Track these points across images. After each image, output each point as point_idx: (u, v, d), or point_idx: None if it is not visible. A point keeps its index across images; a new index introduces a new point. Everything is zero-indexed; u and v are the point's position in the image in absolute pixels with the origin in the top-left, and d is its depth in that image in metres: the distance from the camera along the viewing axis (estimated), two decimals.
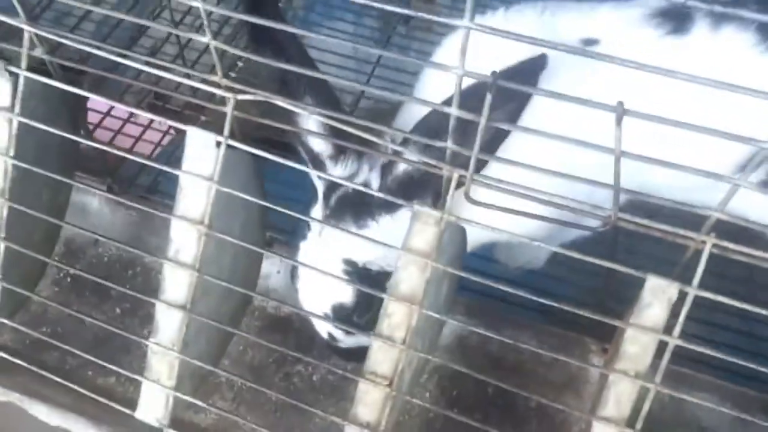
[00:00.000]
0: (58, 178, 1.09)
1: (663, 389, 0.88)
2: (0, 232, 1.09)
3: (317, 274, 1.11)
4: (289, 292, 1.33)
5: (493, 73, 0.74)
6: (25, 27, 0.99)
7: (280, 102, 0.92)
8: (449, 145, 0.85)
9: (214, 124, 0.97)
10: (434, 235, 0.93)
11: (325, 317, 1.15)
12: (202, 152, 0.98)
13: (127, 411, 1.05)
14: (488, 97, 0.76)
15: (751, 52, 1.17)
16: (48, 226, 1.25)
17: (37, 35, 1.00)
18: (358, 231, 1.12)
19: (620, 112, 0.71)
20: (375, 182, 1.13)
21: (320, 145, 1.12)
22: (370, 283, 1.09)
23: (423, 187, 1.06)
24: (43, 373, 1.13)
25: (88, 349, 1.22)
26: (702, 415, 1.18)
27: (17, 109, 1.03)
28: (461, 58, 0.74)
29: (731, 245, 0.86)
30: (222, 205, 1.01)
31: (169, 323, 1.04)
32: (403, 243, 0.94)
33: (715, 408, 1.15)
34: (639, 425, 0.89)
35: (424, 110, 1.01)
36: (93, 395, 1.10)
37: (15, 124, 1.04)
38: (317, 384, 1.26)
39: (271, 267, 1.34)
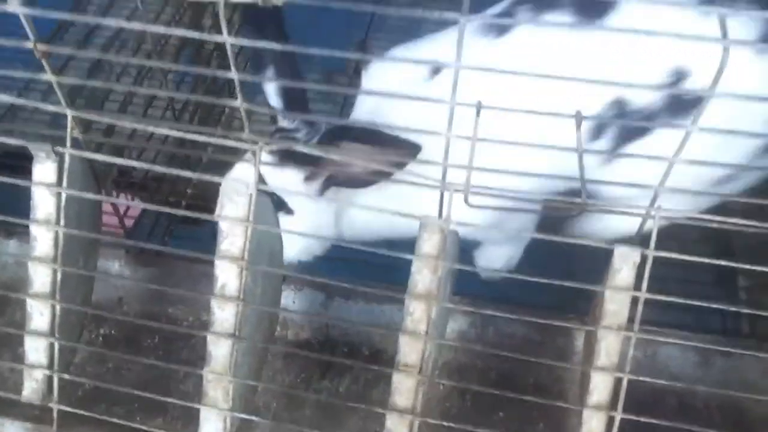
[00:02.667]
0: (91, 241, 1.25)
1: (641, 335, 1.10)
2: (55, 295, 1.23)
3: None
4: (305, 321, 1.51)
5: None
6: (68, 112, 1.15)
7: (302, 148, 1.11)
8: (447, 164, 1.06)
9: None
10: (440, 240, 1.14)
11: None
12: (236, 198, 1.16)
13: None
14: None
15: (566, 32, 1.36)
16: (85, 290, 1.38)
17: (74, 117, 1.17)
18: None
19: (579, 118, 0.95)
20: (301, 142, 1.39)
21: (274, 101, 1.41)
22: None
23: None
24: (105, 418, 1.26)
25: (132, 399, 1.36)
26: (671, 363, 1.41)
27: (64, 183, 1.19)
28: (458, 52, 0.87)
29: (674, 214, 1.10)
30: (255, 242, 1.18)
31: (220, 352, 1.19)
32: (415, 251, 1.14)
33: (681, 356, 1.40)
34: (627, 368, 1.10)
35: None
36: (155, 431, 1.23)
37: (63, 198, 1.19)
38: (344, 394, 1.42)
39: (287, 299, 1.50)
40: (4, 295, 1.47)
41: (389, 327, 1.49)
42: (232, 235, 1.16)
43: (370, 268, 1.45)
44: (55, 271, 1.22)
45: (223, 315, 1.19)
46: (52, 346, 1.25)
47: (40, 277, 1.23)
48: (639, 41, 1.21)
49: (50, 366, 1.26)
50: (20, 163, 1.58)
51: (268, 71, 1.37)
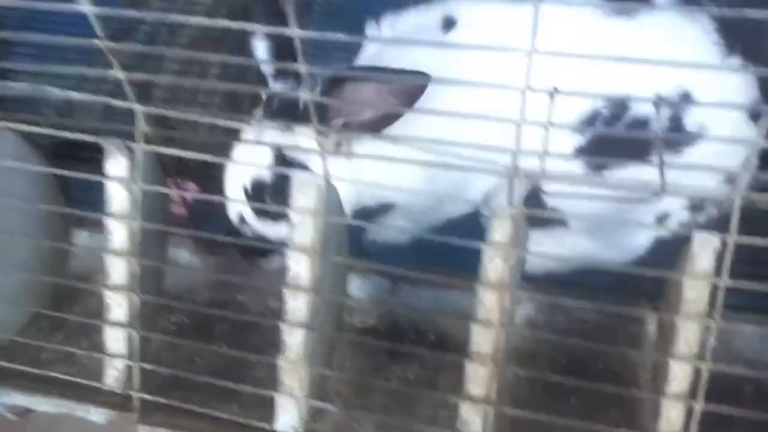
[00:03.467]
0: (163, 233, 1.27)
1: (722, 323, 1.07)
2: (135, 288, 1.26)
3: (246, 155, 1.36)
4: (372, 308, 1.52)
5: None
6: (136, 107, 1.17)
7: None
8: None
9: None
10: (511, 228, 1.12)
11: (244, 193, 1.38)
12: (306, 190, 1.16)
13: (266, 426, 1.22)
14: None
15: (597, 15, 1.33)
16: (158, 280, 1.42)
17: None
18: (288, 130, 1.34)
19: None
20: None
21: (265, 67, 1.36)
22: (289, 166, 1.30)
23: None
24: (183, 405, 1.30)
25: (207, 387, 1.39)
26: (746, 348, 1.37)
27: (137, 178, 1.21)
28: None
29: (757, 196, 1.06)
30: (325, 234, 1.19)
31: (294, 341, 1.21)
32: (486, 239, 1.13)
33: (758, 341, 1.36)
34: (708, 356, 1.08)
35: None
36: (232, 418, 1.26)
37: (137, 192, 1.22)
38: (413, 381, 1.43)
39: (353, 286, 1.51)
40: (78, 285, 1.51)
41: (456, 312, 1.48)
42: (304, 226, 1.17)
43: (435, 254, 1.45)
44: (131, 264, 1.25)
45: (296, 305, 1.20)
46: (130, 336, 1.29)
47: (117, 270, 1.27)
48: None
49: (130, 355, 1.30)
50: (86, 154, 1.63)
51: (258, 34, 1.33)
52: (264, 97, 1.40)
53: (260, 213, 1.42)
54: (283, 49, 1.33)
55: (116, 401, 1.37)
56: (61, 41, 1.01)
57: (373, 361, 1.47)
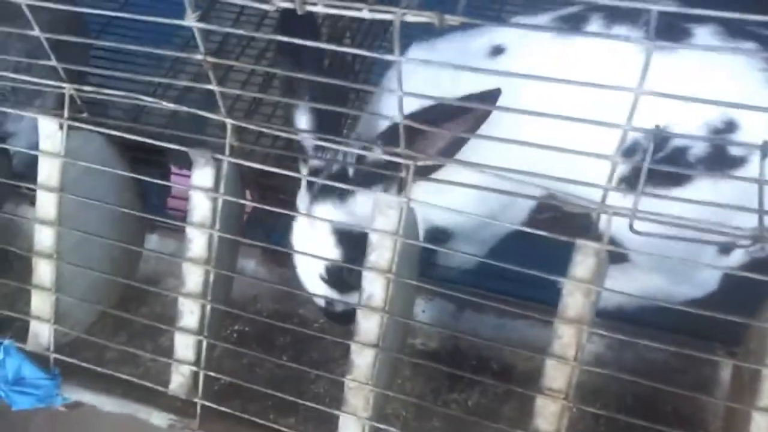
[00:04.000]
0: (238, 242, 1.28)
1: None
2: (206, 296, 1.27)
3: (310, 245, 1.35)
4: (434, 331, 1.51)
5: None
6: (227, 120, 1.19)
7: (442, 162, 1.10)
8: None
9: None
10: (595, 264, 1.10)
11: (321, 279, 1.37)
12: (387, 211, 1.16)
13: None
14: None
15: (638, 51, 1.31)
16: (226, 289, 1.43)
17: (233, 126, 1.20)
18: (340, 204, 1.34)
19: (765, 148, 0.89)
20: (350, 169, 1.33)
21: (308, 140, 1.35)
22: (355, 243, 1.28)
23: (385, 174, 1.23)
24: (242, 415, 1.31)
25: (266, 397, 1.39)
26: None
27: (221, 189, 1.23)
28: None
29: None
30: (401, 256, 1.19)
31: (363, 361, 1.21)
32: (568, 273, 1.11)
33: None
34: None
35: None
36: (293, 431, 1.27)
37: (220, 203, 1.23)
38: (473, 408, 1.41)
39: (417, 308, 1.51)
40: (146, 287, 1.53)
41: (519, 343, 1.46)
42: (381, 248, 1.17)
43: (502, 281, 1.43)
44: (207, 272, 1.26)
45: (368, 325, 1.20)
46: (199, 343, 1.30)
47: (193, 277, 1.28)
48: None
49: (197, 363, 1.31)
50: (150, 157, 1.66)
51: (301, 109, 1.33)
52: (306, 173, 1.38)
53: (343, 289, 1.40)
54: (325, 122, 1.33)
55: (179, 406, 1.39)
56: (168, 54, 1.03)
57: (434, 385, 1.46)
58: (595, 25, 1.38)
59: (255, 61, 1.67)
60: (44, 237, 1.34)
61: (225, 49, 2.11)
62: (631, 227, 1.03)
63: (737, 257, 1.45)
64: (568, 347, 1.13)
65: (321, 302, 1.45)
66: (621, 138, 0.94)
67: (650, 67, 0.85)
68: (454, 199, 1.19)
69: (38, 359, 1.44)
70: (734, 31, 1.35)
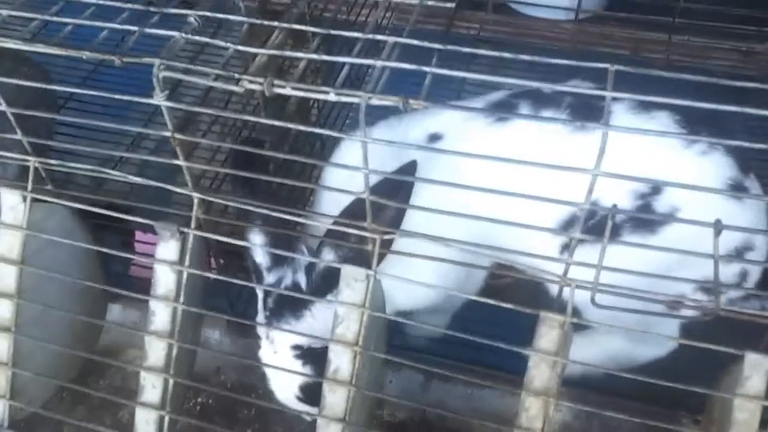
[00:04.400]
0: (200, 315, 1.27)
1: None
2: (170, 370, 1.25)
3: (280, 372, 1.33)
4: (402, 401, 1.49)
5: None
6: (194, 195, 1.19)
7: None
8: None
9: None
10: (559, 336, 1.12)
11: (299, 400, 1.34)
12: (354, 284, 1.17)
13: None
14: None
15: (564, 131, 1.38)
16: (189, 361, 1.40)
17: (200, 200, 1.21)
18: (296, 322, 1.31)
19: (720, 227, 0.93)
20: (302, 280, 1.33)
21: (261, 258, 1.33)
22: (318, 359, 1.26)
23: (338, 279, 1.22)
24: None
25: None
26: None
27: (187, 262, 1.22)
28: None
29: None
30: (368, 328, 1.18)
31: None
32: (533, 345, 1.12)
33: None
34: None
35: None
36: None
37: (185, 276, 1.22)
38: None
39: (384, 378, 1.50)
40: (104, 360, 1.50)
41: (487, 413, 1.46)
42: (348, 320, 1.17)
43: (469, 350, 1.44)
44: (170, 346, 1.24)
45: (335, 399, 1.18)
46: (161, 418, 1.27)
47: (156, 351, 1.25)
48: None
49: None
50: (112, 223, 1.63)
51: (254, 231, 1.31)
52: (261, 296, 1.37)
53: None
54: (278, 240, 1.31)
55: None
56: (135, 130, 1.03)
57: None
58: (524, 110, 1.44)
59: (226, 136, 1.68)
60: (2, 310, 1.31)
61: (190, 126, 2.11)
62: (592, 300, 1.06)
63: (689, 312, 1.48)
64: (535, 419, 1.13)
65: (307, 417, 1.42)
66: (581, 215, 0.98)
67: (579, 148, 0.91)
68: (418, 275, 1.20)
69: None
70: (647, 103, 1.41)
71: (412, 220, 1.19)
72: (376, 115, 1.44)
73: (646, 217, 1.33)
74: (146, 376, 1.27)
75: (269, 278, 1.34)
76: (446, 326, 1.55)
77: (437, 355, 1.47)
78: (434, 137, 1.46)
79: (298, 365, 1.32)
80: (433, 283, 1.20)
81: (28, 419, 1.44)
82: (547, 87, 1.48)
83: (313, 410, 1.35)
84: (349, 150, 1.46)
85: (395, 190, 1.16)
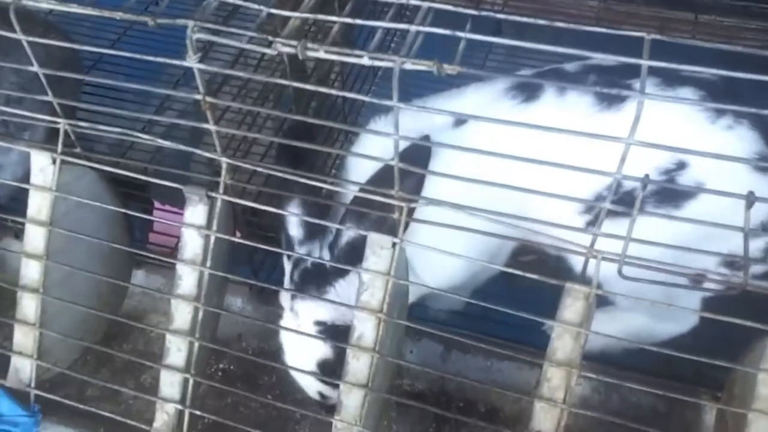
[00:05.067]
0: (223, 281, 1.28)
1: None
2: (195, 333, 1.27)
3: (299, 342, 1.35)
4: (421, 371, 1.50)
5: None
6: (223, 159, 1.20)
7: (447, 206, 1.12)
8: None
9: None
10: (584, 307, 1.12)
11: (313, 374, 1.35)
12: (380, 252, 1.17)
13: None
14: None
15: (590, 112, 1.39)
16: (213, 326, 1.42)
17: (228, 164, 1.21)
18: (320, 297, 1.33)
19: (751, 199, 0.93)
20: (327, 256, 1.34)
21: (295, 230, 1.36)
22: (340, 337, 1.27)
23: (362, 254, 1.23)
24: None
25: None
26: None
27: (214, 227, 1.23)
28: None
29: None
30: (392, 296, 1.19)
31: (352, 402, 1.20)
32: (557, 316, 1.13)
33: None
34: None
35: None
36: None
37: (212, 241, 1.23)
38: None
39: (405, 348, 1.51)
40: (128, 323, 1.51)
41: (505, 385, 1.47)
42: (373, 287, 1.18)
43: (489, 324, 1.44)
44: (196, 309, 1.26)
45: (358, 365, 1.20)
46: (186, 381, 1.29)
47: (182, 314, 1.27)
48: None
49: (182, 401, 1.30)
50: (133, 192, 1.65)
51: (293, 203, 1.33)
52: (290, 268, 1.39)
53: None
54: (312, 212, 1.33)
55: None
56: (164, 92, 1.04)
57: (420, 427, 1.45)
58: (549, 91, 1.43)
59: (252, 102, 1.68)
60: (31, 271, 1.33)
61: (222, 90, 2.12)
62: (620, 272, 1.06)
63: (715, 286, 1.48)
64: (557, 390, 1.14)
65: (316, 395, 1.42)
66: (612, 186, 0.97)
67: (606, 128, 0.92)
68: (446, 246, 1.20)
69: (18, 395, 1.41)
70: (671, 79, 1.41)
71: (441, 192, 1.19)
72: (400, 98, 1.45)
73: (678, 188, 1.32)
74: (172, 339, 1.28)
75: (301, 250, 1.36)
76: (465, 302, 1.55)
77: (459, 327, 1.48)
78: (459, 120, 1.46)
79: (319, 341, 1.33)
80: (463, 253, 1.20)
81: (53, 380, 1.46)
82: (575, 61, 1.48)
83: (323, 389, 1.38)
84: (377, 124, 1.47)
85: (421, 159, 1.16)
